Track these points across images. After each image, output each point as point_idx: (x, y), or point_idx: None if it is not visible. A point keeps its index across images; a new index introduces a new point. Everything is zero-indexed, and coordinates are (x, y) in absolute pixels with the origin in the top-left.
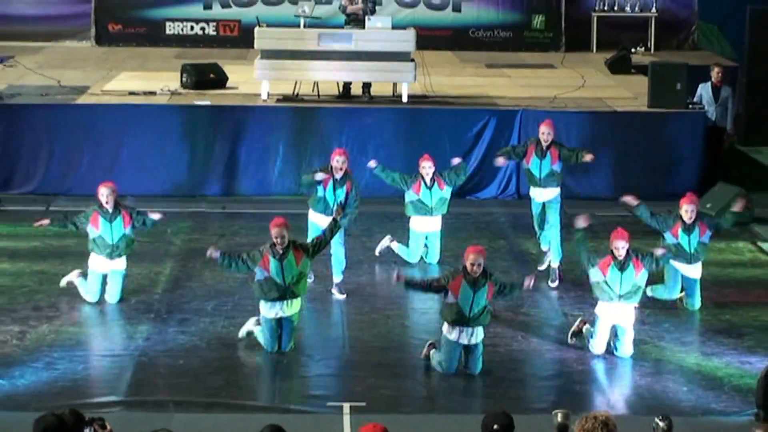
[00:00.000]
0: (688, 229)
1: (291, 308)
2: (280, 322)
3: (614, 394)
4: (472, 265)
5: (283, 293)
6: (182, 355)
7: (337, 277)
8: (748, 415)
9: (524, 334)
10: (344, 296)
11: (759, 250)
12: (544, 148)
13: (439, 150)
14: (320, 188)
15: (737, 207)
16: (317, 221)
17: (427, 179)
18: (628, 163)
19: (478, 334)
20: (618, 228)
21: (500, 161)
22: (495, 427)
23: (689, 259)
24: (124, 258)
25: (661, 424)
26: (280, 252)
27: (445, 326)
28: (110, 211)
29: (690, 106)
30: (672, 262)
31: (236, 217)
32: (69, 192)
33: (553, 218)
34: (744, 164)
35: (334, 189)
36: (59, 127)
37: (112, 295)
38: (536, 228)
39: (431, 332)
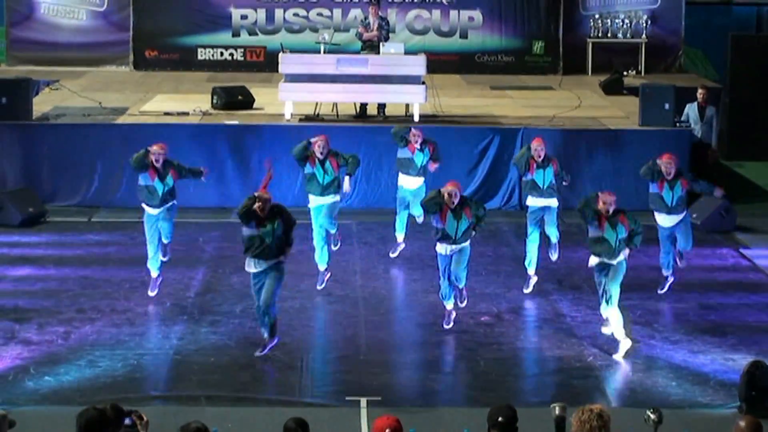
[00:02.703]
0: (670, 183)
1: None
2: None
3: (609, 389)
4: (450, 196)
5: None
6: (213, 354)
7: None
8: (732, 408)
9: (525, 334)
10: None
11: (741, 256)
12: (541, 161)
13: (448, 164)
14: (308, 166)
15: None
16: (316, 203)
17: (417, 144)
18: (620, 177)
19: (464, 248)
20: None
21: None
22: (499, 419)
23: (669, 211)
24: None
25: (652, 415)
26: (263, 219)
27: (438, 245)
28: (161, 170)
29: (677, 124)
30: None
31: None
32: (110, 204)
33: (552, 219)
34: (727, 177)
35: (323, 166)
36: (101, 144)
37: (166, 233)
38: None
39: (441, 333)
